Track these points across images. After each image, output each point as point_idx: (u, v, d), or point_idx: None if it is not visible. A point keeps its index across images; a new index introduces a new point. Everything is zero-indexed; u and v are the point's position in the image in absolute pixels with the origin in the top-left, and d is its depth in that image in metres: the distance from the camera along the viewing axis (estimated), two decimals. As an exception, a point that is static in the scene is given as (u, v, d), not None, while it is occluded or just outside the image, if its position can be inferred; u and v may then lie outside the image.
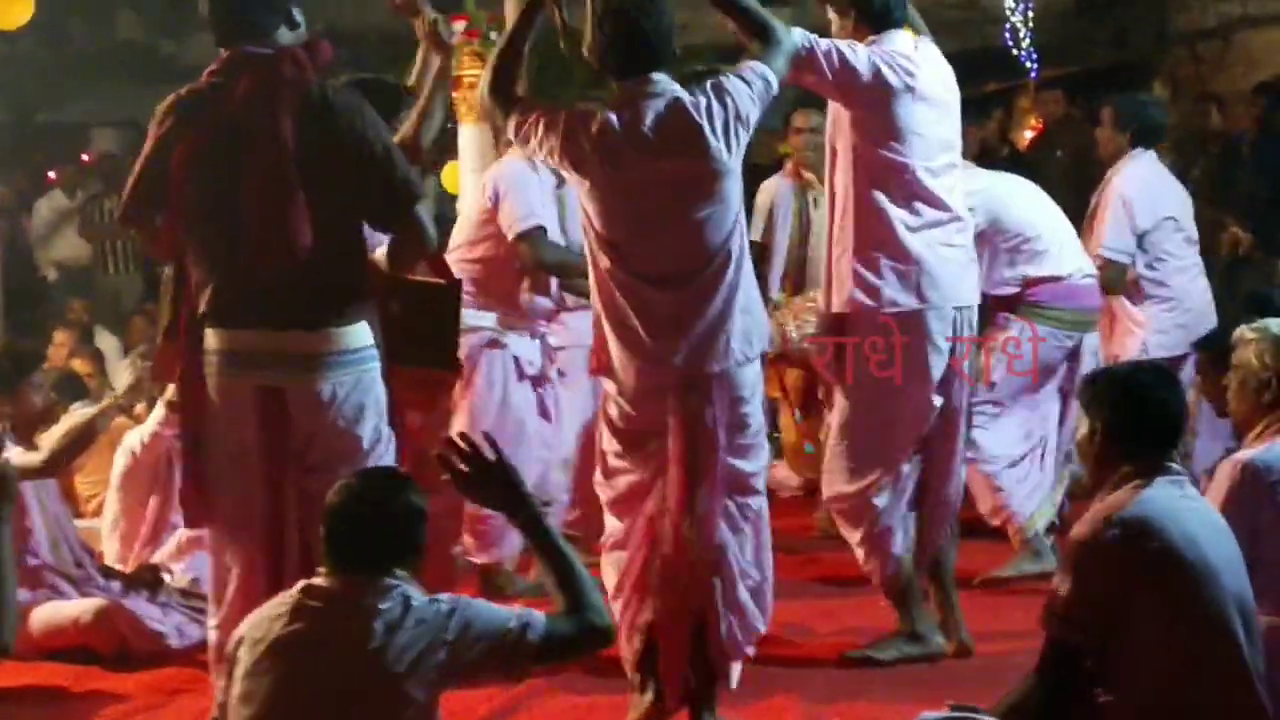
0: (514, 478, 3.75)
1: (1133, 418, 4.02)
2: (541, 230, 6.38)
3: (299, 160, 4.40)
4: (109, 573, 6.78)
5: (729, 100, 4.76)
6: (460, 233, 6.72)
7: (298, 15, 4.58)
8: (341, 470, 4.25)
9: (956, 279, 5.56)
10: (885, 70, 5.36)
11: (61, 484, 7.03)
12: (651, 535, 4.90)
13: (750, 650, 5.05)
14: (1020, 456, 6.79)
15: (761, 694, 5.32)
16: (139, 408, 7.58)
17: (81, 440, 6.47)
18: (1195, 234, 7.48)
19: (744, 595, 4.94)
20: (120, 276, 12.97)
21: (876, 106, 5.41)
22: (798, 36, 5.12)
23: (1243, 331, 4.73)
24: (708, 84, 4.81)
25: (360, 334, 4.53)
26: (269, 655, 3.66)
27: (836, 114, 5.54)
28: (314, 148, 4.42)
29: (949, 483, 5.70)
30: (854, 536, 5.67)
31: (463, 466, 3.76)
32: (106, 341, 10.61)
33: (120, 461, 6.95)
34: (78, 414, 7.07)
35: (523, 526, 3.76)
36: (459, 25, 9.27)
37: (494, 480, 3.75)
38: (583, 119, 4.81)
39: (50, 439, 6.63)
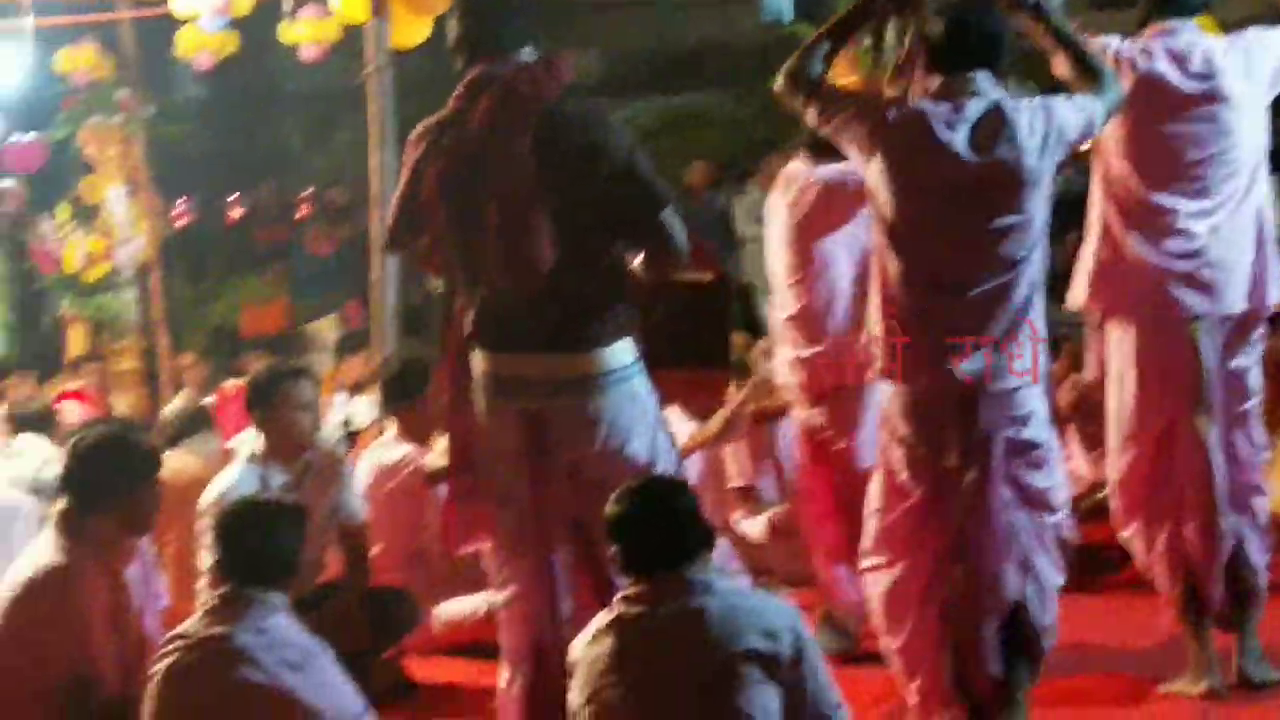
0: None
1: None
2: None
3: (539, 178, 4.36)
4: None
5: (1053, 114, 4.64)
6: None
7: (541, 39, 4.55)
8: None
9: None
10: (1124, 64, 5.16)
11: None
12: (931, 567, 4.77)
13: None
14: None
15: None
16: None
17: None
18: None
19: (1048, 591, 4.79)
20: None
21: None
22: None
23: None
24: (1036, 97, 4.70)
25: (622, 352, 4.48)
26: (612, 670, 3.86)
27: None
28: (554, 164, 4.36)
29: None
30: None
31: None
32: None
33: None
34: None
35: None
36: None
37: None
38: (897, 105, 4.73)
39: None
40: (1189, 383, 5.29)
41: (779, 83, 4.85)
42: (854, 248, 5.89)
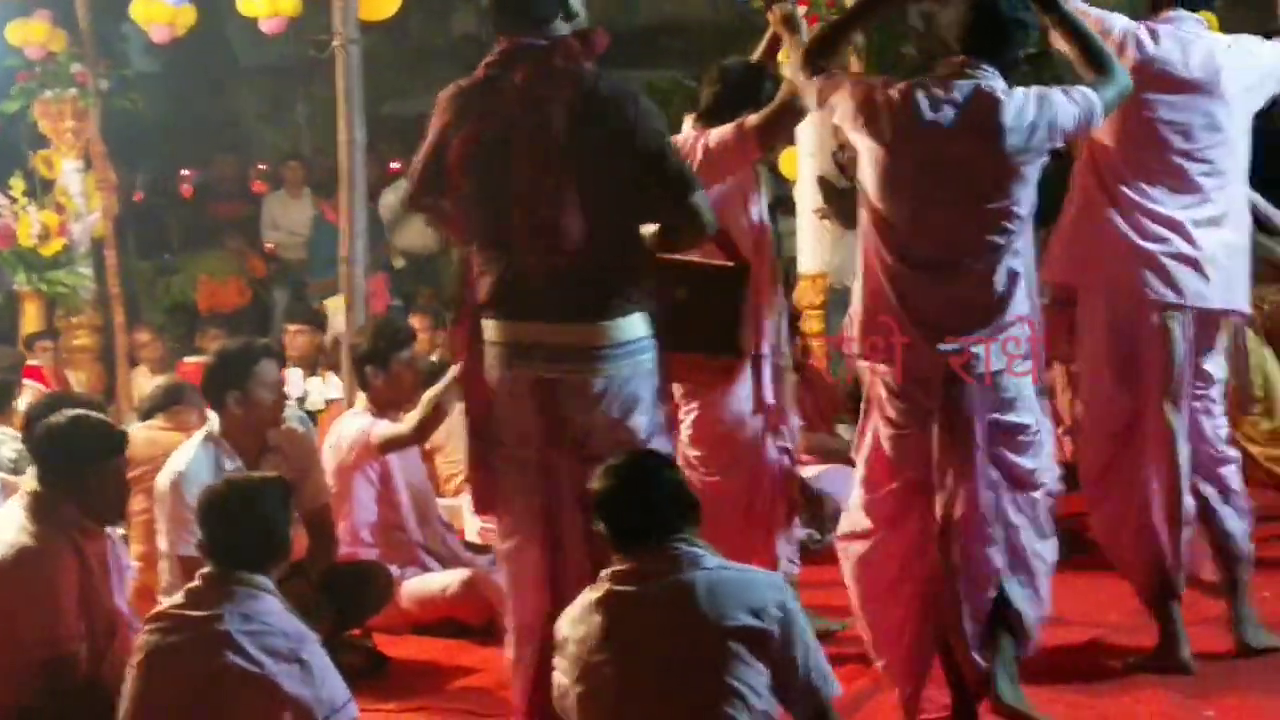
0: None
1: None
2: None
3: (571, 152, 4.40)
4: (472, 548, 7.01)
5: (1046, 106, 4.67)
6: None
7: (576, 5, 4.55)
8: None
9: None
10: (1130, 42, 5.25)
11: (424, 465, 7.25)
12: (913, 534, 4.81)
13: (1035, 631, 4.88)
14: None
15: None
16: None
17: (442, 408, 6.57)
18: None
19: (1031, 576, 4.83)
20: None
21: None
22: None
23: None
24: (1033, 87, 4.74)
25: (635, 325, 4.52)
26: (602, 648, 3.86)
27: None
28: (586, 139, 4.41)
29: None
30: None
31: None
32: (456, 326, 10.86)
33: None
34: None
35: None
36: (800, 10, 9.37)
37: None
38: (886, 84, 4.78)
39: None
40: (1159, 372, 5.32)
41: (797, 62, 4.95)
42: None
